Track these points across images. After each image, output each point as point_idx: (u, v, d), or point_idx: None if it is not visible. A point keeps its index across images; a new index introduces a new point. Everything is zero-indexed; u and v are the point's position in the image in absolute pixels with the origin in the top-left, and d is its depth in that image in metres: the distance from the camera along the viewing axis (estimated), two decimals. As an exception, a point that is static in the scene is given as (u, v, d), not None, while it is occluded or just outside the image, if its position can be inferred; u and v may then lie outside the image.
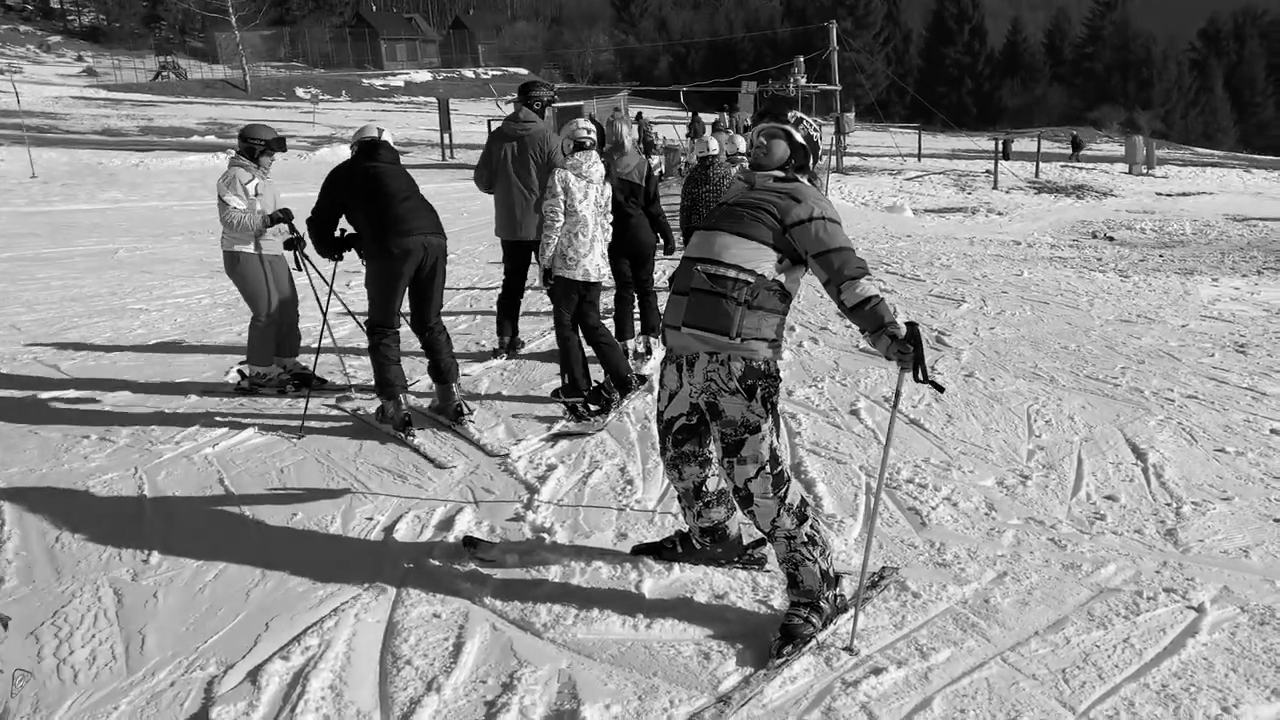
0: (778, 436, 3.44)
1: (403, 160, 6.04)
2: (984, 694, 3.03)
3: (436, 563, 3.93)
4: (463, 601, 3.61)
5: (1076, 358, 7.22)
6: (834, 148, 30.51)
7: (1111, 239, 17.24)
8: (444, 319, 5.89)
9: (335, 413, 5.96)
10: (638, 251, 6.95)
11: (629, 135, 6.85)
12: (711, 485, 3.70)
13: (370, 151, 5.63)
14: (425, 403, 6.05)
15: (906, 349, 3.11)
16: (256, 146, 6.39)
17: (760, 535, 3.83)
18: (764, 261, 3.33)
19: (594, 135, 5.96)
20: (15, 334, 8.34)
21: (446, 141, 31.89)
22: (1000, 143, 36.98)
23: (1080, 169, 34.28)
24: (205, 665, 3.20)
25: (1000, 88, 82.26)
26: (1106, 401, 6.10)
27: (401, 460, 5.13)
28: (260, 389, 6.46)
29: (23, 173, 22.11)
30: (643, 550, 3.98)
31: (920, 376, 3.13)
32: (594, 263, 5.91)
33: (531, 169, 6.87)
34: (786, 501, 3.38)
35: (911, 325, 3.15)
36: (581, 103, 29.54)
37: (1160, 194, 26.81)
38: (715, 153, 9.22)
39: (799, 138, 3.57)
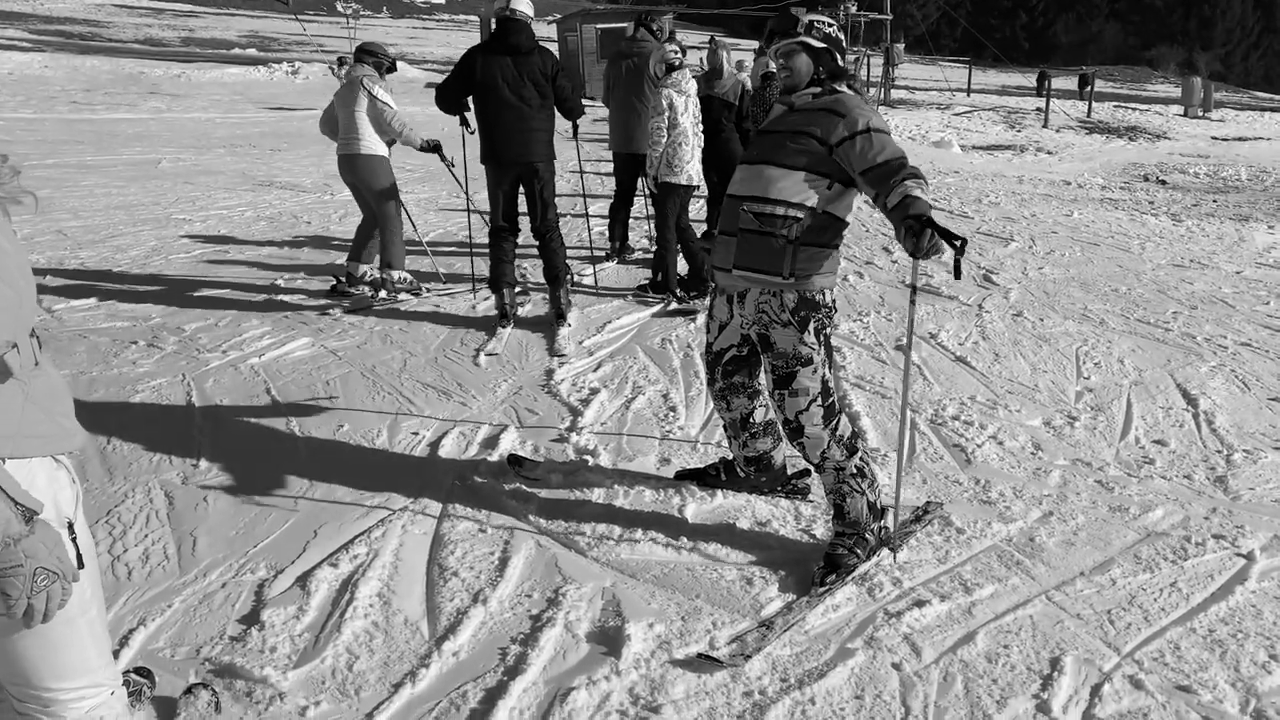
0: (830, 368, 3.39)
1: (443, 79, 6.10)
2: (1028, 631, 3.02)
3: (481, 479, 3.96)
4: (507, 518, 3.64)
5: (1127, 301, 7.09)
6: (883, 79, 29.84)
7: (1164, 182, 16.79)
8: None
9: (379, 327, 5.98)
10: (729, 161, 7.34)
11: (727, 60, 7.35)
12: (759, 416, 3.66)
13: (503, 37, 5.59)
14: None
15: (919, 238, 2.83)
16: (385, 62, 6.61)
17: (804, 466, 3.82)
18: (812, 192, 3.20)
19: (681, 55, 6.58)
20: (62, 239, 8.41)
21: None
22: (1038, 78, 35.97)
23: (1132, 109, 33.35)
24: (255, 569, 3.25)
25: (1055, 22, 79.82)
26: (1157, 346, 5.98)
27: (446, 378, 5.14)
28: (396, 292, 6.66)
29: (66, 79, 22.08)
30: (686, 475, 3.98)
31: (939, 240, 2.83)
32: (696, 168, 6.61)
33: (645, 86, 7.16)
34: (837, 433, 3.34)
35: (923, 219, 2.86)
36: (627, 24, 28.93)
37: (1216, 138, 26.02)
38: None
39: (815, 43, 3.31)
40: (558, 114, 5.94)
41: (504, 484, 3.91)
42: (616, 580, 3.24)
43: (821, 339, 3.32)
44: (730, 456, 3.89)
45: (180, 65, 30.05)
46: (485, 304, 6.57)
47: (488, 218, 6.04)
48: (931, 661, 2.86)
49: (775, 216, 3.21)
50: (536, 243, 6.11)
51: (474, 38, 36.16)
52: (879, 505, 3.44)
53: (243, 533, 3.48)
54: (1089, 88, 32.86)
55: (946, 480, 4.07)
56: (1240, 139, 25.95)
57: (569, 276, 6.31)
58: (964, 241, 2.88)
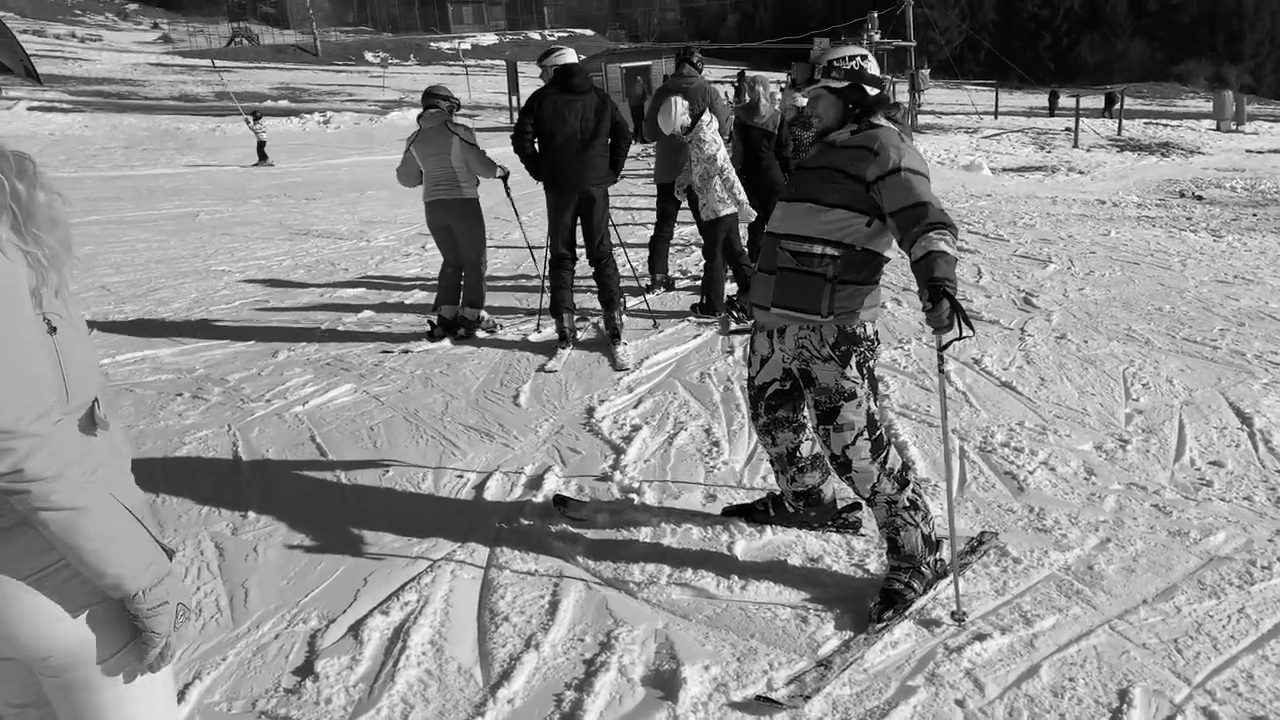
0: (875, 401, 3.35)
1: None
2: (1093, 662, 2.94)
3: (528, 521, 3.94)
4: (556, 560, 3.62)
5: (1172, 319, 6.97)
6: (909, 106, 29.83)
7: (1200, 198, 16.58)
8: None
9: (419, 371, 6.01)
10: (770, 188, 7.58)
11: (765, 94, 7.62)
12: (805, 450, 3.62)
13: (564, 80, 6.11)
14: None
15: (940, 313, 2.81)
16: (455, 103, 6.88)
17: (854, 499, 3.77)
18: (850, 231, 3.17)
19: (694, 106, 6.99)
20: (106, 295, 8.56)
21: (515, 104, 31.82)
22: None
23: (1164, 125, 33.07)
24: (307, 619, 3.25)
25: (1079, 43, 79.42)
26: (1206, 364, 5.87)
27: (488, 419, 5.15)
28: (480, 330, 6.90)
29: (105, 138, 22.53)
30: (733, 512, 3.94)
31: (955, 317, 2.81)
32: (742, 194, 6.95)
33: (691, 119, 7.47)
34: (886, 466, 3.29)
35: (943, 290, 2.84)
36: (650, 62, 29.23)
37: (1250, 151, 25.73)
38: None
39: (836, 83, 3.25)
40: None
41: (550, 525, 3.89)
42: (669, 621, 3.20)
43: (864, 372, 3.28)
44: (778, 491, 3.85)
45: (214, 119, 30.66)
46: (528, 340, 6.61)
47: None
48: (995, 697, 2.79)
49: (813, 255, 3.19)
50: (592, 268, 6.48)
51: (500, 82, 36.66)
52: (934, 537, 3.38)
53: (294, 582, 3.48)
54: (1116, 105, 32.66)
55: (1000, 509, 4.00)
56: (1276, 151, 25.63)
57: (622, 300, 6.66)
58: (972, 331, 2.88)
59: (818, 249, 3.18)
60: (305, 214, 13.97)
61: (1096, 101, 37.90)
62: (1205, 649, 3.00)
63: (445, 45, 66.62)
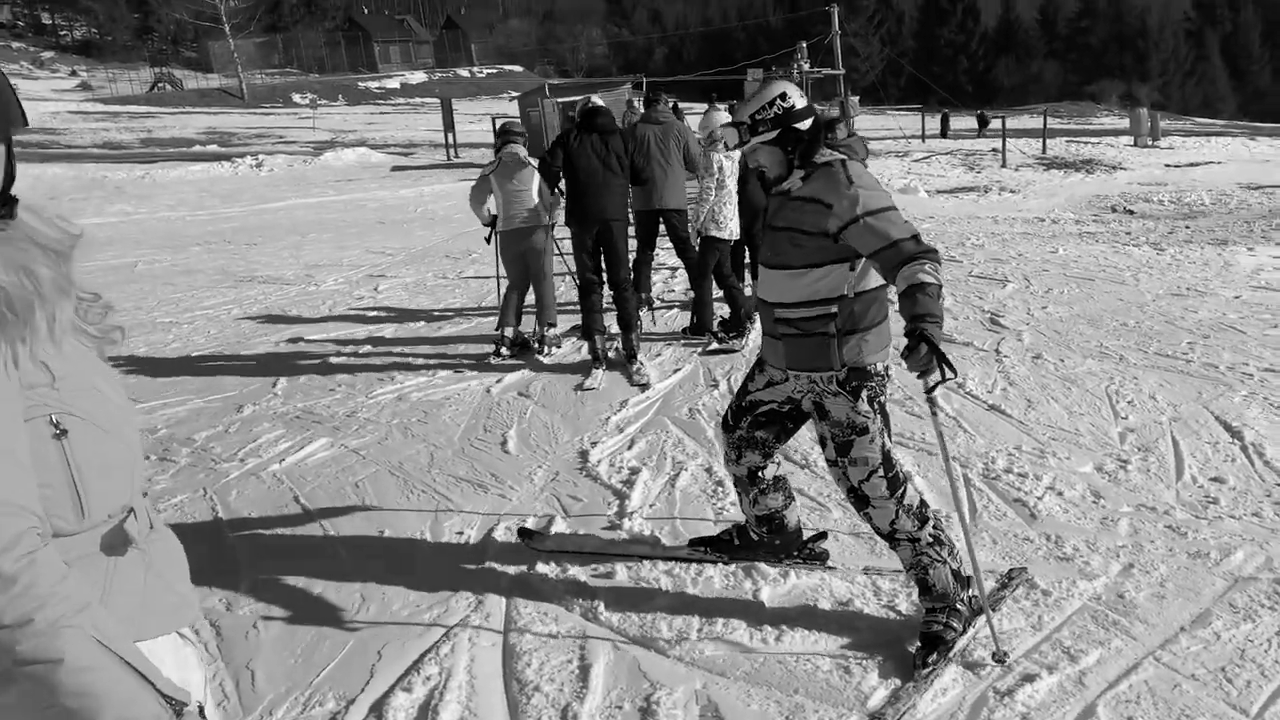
0: (889, 436, 3.27)
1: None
2: (1147, 699, 2.87)
3: (538, 576, 3.77)
4: (577, 619, 3.45)
5: (1139, 334, 7.06)
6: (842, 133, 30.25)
7: (1131, 212, 16.99)
8: None
9: (396, 420, 5.80)
10: (754, 211, 7.88)
11: None
12: (768, 473, 3.54)
13: (589, 121, 6.62)
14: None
15: (917, 357, 2.76)
16: (526, 138, 7.49)
17: (820, 529, 3.83)
18: (835, 283, 3.10)
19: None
20: (49, 354, 8.17)
21: (450, 141, 31.59)
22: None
23: (1085, 142, 34.00)
24: (324, 701, 3.04)
25: (995, 66, 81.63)
26: (1183, 378, 5.93)
27: (478, 469, 4.96)
28: (552, 345, 7.37)
29: (28, 189, 21.62)
30: (700, 543, 3.86)
31: (933, 360, 2.77)
32: (736, 225, 7.27)
33: (672, 151, 7.93)
34: (905, 503, 3.21)
35: (920, 332, 2.78)
36: (585, 97, 29.31)
37: (1169, 165, 26.49)
38: None
39: (765, 136, 3.12)
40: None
41: (565, 579, 3.73)
42: (707, 681, 3.06)
43: (875, 407, 3.20)
44: (743, 521, 3.76)
45: (143, 166, 29.89)
46: (499, 387, 6.43)
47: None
48: (1059, 742, 2.70)
49: (809, 319, 3.14)
50: (612, 293, 6.85)
51: (434, 120, 36.48)
52: (963, 572, 3.29)
53: (302, 660, 3.27)
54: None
55: (1016, 538, 3.94)
56: (1193, 164, 26.46)
57: (639, 323, 7.02)
58: (954, 373, 2.80)
59: (813, 312, 3.13)
60: (247, 260, 13.60)
61: (1026, 122, 38.95)
62: (1254, 677, 2.95)
63: (374, 85, 66.11)
